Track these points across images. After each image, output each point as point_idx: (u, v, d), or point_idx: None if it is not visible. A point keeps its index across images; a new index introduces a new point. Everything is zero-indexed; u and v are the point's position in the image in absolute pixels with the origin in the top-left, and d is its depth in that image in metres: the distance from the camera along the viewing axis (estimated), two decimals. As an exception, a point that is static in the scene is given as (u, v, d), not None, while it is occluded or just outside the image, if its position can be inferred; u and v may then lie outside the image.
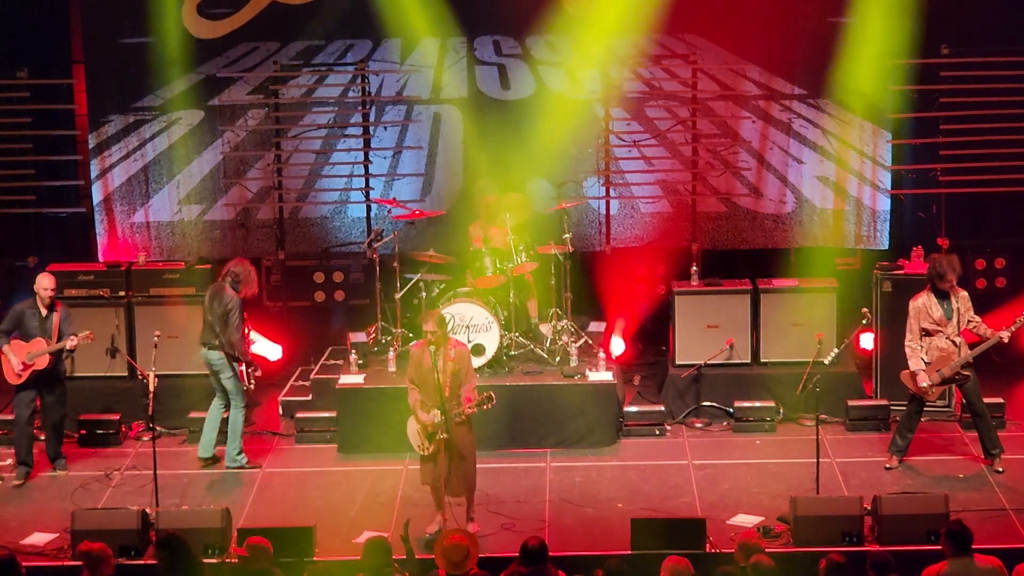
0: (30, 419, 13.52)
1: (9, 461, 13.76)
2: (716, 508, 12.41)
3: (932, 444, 13.74)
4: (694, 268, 15.24)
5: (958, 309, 12.97)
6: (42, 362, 13.33)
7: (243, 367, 13.44)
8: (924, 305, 13.01)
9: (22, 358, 13.26)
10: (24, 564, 9.94)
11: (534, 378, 14.16)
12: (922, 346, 13.01)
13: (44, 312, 13.37)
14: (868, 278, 14.90)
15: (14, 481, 13.43)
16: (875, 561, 9.51)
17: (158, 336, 13.26)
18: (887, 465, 13.20)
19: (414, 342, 12.17)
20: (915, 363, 12.99)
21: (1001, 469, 13.05)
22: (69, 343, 13.37)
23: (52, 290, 13.42)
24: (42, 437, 13.77)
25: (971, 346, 13.02)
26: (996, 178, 15.70)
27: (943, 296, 12.99)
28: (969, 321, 13.03)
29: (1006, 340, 13.06)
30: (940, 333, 12.96)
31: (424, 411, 11.80)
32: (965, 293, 13.14)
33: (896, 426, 13.48)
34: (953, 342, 12.96)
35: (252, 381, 13.55)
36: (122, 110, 16.38)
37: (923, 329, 13.01)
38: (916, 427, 13.25)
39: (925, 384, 12.92)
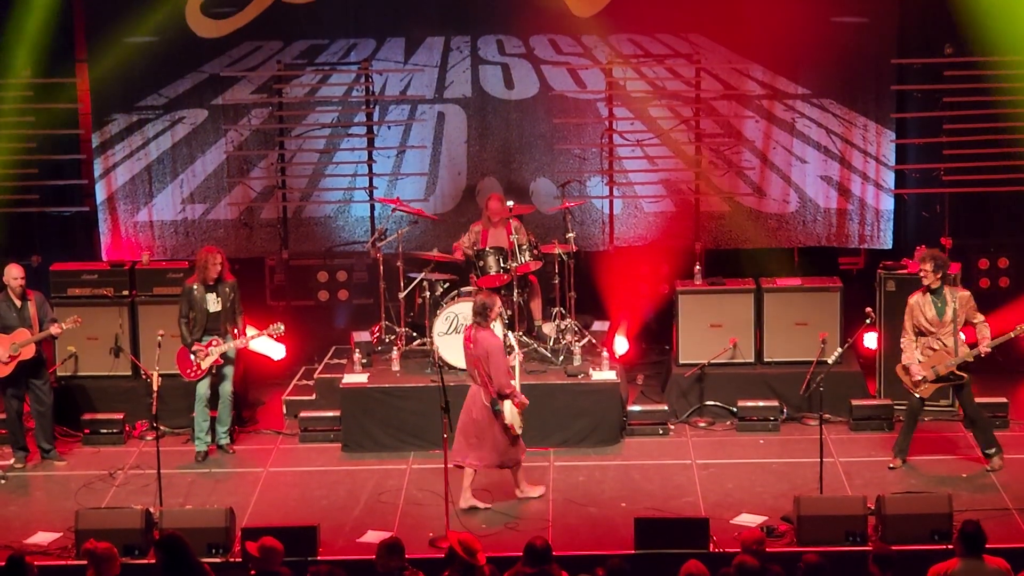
0: (20, 410, 13.69)
1: (12, 461, 13.81)
2: (720, 508, 12.40)
3: (936, 444, 13.73)
4: (697, 267, 15.24)
5: (954, 309, 12.90)
6: (28, 352, 13.49)
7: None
8: (917, 303, 12.99)
9: (7, 350, 13.34)
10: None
11: (538, 377, 14.15)
12: (917, 344, 13.01)
13: (19, 303, 13.50)
14: (872, 277, 14.89)
15: (15, 465, 13.62)
16: (878, 555, 9.52)
17: (162, 335, 13.33)
18: (891, 465, 13.20)
19: (492, 337, 12.45)
20: (907, 357, 12.99)
21: (990, 468, 13.02)
22: (54, 329, 13.52)
23: (22, 279, 13.58)
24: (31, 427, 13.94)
25: (971, 347, 12.99)
26: (1000, 178, 15.69)
27: (937, 295, 12.94)
28: (968, 321, 12.96)
29: (983, 354, 13.00)
30: (933, 334, 12.92)
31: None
32: (966, 293, 13.06)
33: (899, 426, 13.48)
34: (945, 344, 12.91)
35: (197, 367, 13.72)
36: (126, 109, 16.40)
37: (916, 327, 13.00)
38: (916, 426, 13.23)
39: (919, 377, 12.92)
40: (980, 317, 13.03)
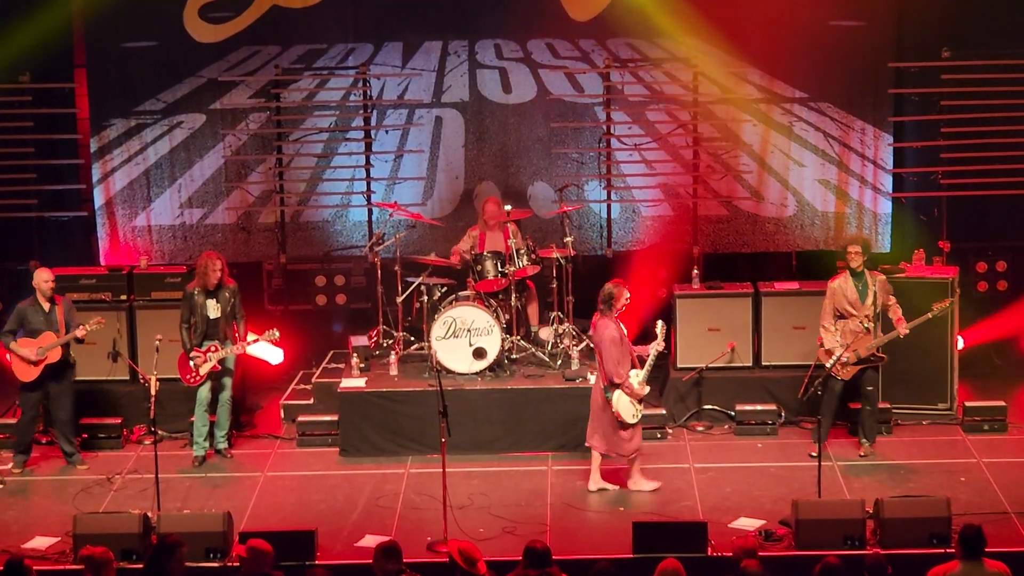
0: (34, 418, 13.67)
1: (11, 465, 13.81)
2: (718, 511, 12.40)
3: (934, 447, 13.74)
4: (695, 271, 15.25)
5: (874, 292, 13.24)
6: (55, 355, 13.46)
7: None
8: (840, 287, 13.38)
9: (34, 352, 13.30)
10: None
11: (535, 381, 14.16)
12: (836, 328, 13.27)
13: (47, 307, 13.47)
14: (869, 281, 14.89)
15: (13, 470, 13.57)
16: (871, 565, 9.52)
17: (160, 340, 13.31)
18: (860, 453, 13.45)
19: (608, 327, 12.68)
20: (829, 340, 13.33)
21: (863, 454, 13.45)
22: (79, 332, 13.48)
23: (53, 281, 13.59)
24: (42, 435, 13.89)
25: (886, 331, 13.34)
26: (997, 181, 15.70)
27: (859, 278, 13.31)
28: (885, 304, 13.31)
29: (903, 335, 13.30)
30: (854, 316, 13.25)
31: (635, 383, 12.72)
32: (883, 277, 13.49)
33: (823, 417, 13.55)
34: (867, 327, 13.23)
35: (196, 373, 13.74)
36: (124, 114, 16.40)
37: (837, 311, 13.31)
38: (837, 411, 13.52)
39: (845, 358, 13.19)
40: (893, 300, 13.40)
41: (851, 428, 14.10)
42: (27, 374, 13.50)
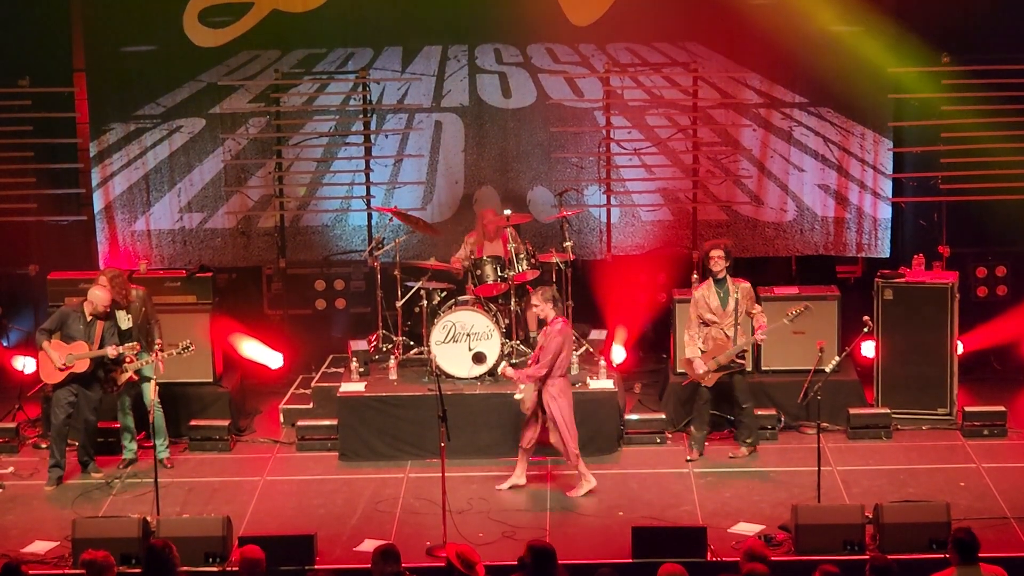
0: (67, 420, 13.36)
1: (11, 469, 13.78)
2: (717, 516, 12.40)
3: (933, 452, 13.74)
4: (695, 276, 15.25)
5: (736, 300, 13.38)
6: (81, 365, 13.24)
7: None
8: (702, 295, 13.58)
9: (62, 359, 13.20)
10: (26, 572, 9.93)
11: (535, 386, 14.15)
12: (700, 335, 13.48)
13: (89, 318, 13.31)
14: (869, 286, 14.89)
15: (46, 487, 13.37)
16: (875, 566, 9.50)
17: (159, 344, 13.28)
18: (688, 457, 13.63)
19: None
20: (691, 350, 13.51)
21: (732, 455, 13.63)
22: (111, 351, 13.23)
23: (107, 307, 13.29)
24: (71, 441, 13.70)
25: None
26: (997, 186, 15.69)
27: (721, 285, 13.49)
28: (749, 312, 13.43)
29: (759, 341, 13.61)
30: (716, 324, 13.44)
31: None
32: (747, 285, 13.57)
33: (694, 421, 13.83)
34: (726, 333, 13.38)
35: (114, 383, 13.57)
36: (123, 118, 16.41)
37: (700, 319, 13.51)
38: (709, 419, 13.68)
39: (701, 371, 13.39)
40: (758, 308, 13.52)
41: (851, 434, 14.11)
42: (52, 376, 13.30)
